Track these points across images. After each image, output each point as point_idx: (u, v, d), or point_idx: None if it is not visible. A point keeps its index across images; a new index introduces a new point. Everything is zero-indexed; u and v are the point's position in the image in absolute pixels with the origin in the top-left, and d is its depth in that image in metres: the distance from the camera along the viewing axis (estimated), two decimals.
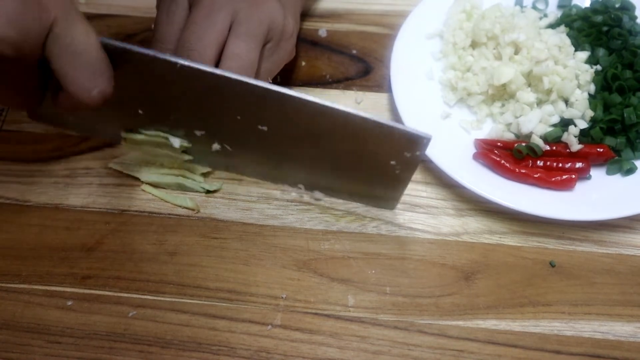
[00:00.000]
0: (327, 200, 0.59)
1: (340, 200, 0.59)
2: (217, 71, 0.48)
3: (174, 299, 0.54)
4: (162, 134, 0.56)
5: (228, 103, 0.51)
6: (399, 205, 0.58)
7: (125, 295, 0.54)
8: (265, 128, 0.52)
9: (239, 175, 0.60)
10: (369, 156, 0.51)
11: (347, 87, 0.66)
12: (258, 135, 0.52)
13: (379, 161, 0.51)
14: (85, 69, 0.45)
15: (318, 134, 0.51)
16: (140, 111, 0.54)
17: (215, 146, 0.55)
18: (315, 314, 0.53)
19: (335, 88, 0.66)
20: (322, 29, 0.70)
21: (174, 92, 0.51)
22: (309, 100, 0.49)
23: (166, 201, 0.59)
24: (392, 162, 0.51)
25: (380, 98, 0.66)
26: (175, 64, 0.48)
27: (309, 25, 0.71)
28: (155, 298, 0.54)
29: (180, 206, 0.58)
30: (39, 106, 0.50)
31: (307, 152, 0.54)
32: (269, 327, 0.53)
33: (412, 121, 0.60)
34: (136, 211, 0.58)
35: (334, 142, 0.51)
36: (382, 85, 0.66)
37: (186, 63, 0.48)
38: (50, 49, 0.44)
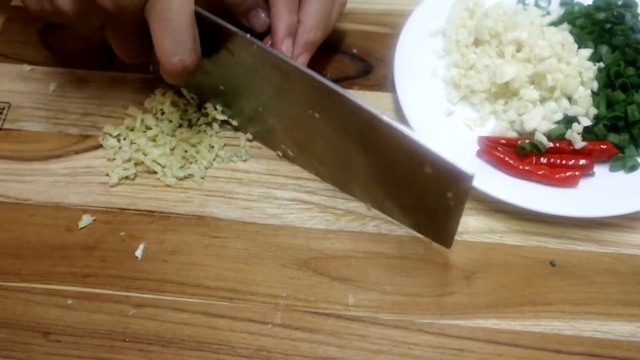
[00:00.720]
0: (328, 200, 0.59)
1: (342, 200, 0.59)
2: (290, 61, 0.52)
3: (174, 298, 0.54)
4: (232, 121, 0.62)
5: (293, 90, 0.54)
6: None
7: (125, 294, 0.54)
8: (317, 115, 0.53)
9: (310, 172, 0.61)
10: (421, 180, 0.50)
11: (348, 87, 0.66)
12: (318, 128, 0.54)
13: (430, 187, 0.51)
14: (171, 35, 0.49)
15: (372, 141, 0.52)
16: (221, 87, 0.59)
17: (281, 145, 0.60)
18: (316, 313, 0.53)
19: None
20: None
21: (250, 72, 0.55)
22: (361, 106, 0.49)
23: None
24: (449, 194, 0.49)
25: (381, 97, 0.65)
26: (253, 44, 0.52)
27: None
28: (155, 297, 0.54)
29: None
30: (145, 60, 0.56)
31: (364, 159, 0.54)
32: (269, 326, 0.53)
33: (416, 119, 0.60)
34: (136, 210, 0.58)
35: (384, 153, 0.51)
36: (383, 84, 0.66)
37: (262, 45, 0.52)
38: (148, 11, 0.49)
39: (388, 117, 0.48)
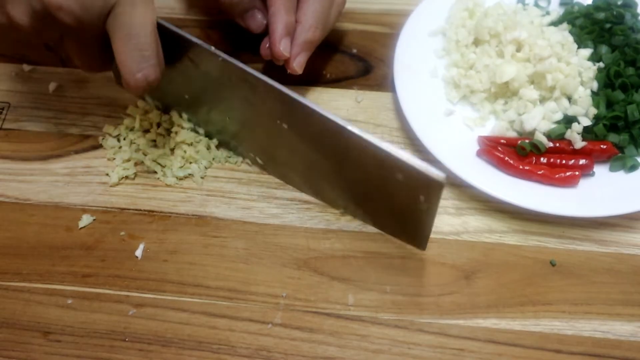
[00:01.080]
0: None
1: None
2: (252, 71, 0.52)
3: (174, 298, 0.54)
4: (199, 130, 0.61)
5: (262, 102, 0.53)
6: None
7: (126, 293, 0.54)
8: (285, 126, 0.53)
9: (282, 181, 0.60)
10: (393, 186, 0.51)
11: (347, 86, 0.66)
12: (286, 138, 0.54)
13: (401, 193, 0.51)
14: (134, 51, 0.48)
15: (341, 152, 0.52)
16: (186, 96, 0.59)
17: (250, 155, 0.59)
18: (316, 312, 0.53)
19: (336, 87, 0.66)
20: None
21: (215, 83, 0.55)
22: (330, 118, 0.50)
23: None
24: (421, 197, 0.50)
25: (381, 97, 0.65)
26: (218, 57, 0.52)
27: None
28: (155, 296, 0.54)
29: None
30: (106, 71, 0.55)
31: (334, 169, 0.54)
32: (269, 325, 0.53)
33: (416, 119, 0.60)
34: (136, 210, 0.58)
35: (355, 163, 0.52)
36: (383, 84, 0.66)
37: (227, 58, 0.52)
38: (109, 27, 0.48)
39: (355, 128, 0.49)
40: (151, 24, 0.49)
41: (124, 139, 0.61)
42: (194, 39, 0.52)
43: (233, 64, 0.52)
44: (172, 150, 0.60)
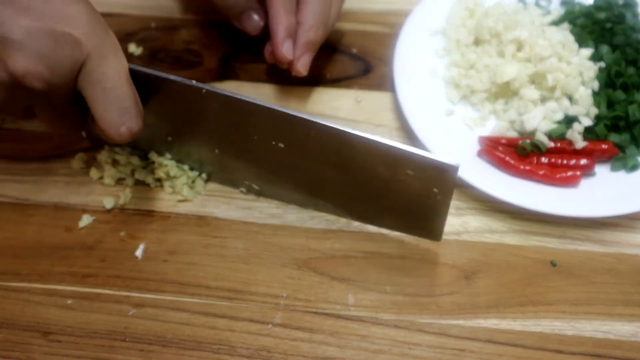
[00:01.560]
0: None
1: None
2: (241, 96, 0.50)
3: (174, 298, 0.54)
4: (185, 168, 0.59)
5: (253, 126, 0.52)
6: None
7: (125, 293, 0.54)
8: (282, 145, 0.52)
9: (278, 201, 0.59)
10: (404, 183, 0.50)
11: (347, 86, 0.66)
12: (284, 158, 0.53)
13: (413, 188, 0.51)
14: (113, 105, 0.46)
15: (345, 159, 0.51)
16: (169, 138, 0.57)
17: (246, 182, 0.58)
18: (316, 312, 0.53)
19: (336, 87, 0.66)
20: None
21: (200, 117, 0.54)
22: (331, 127, 0.49)
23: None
24: (435, 189, 0.50)
25: (381, 97, 0.65)
26: (201, 89, 0.51)
27: None
28: (155, 297, 0.54)
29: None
30: (81, 130, 0.52)
31: (337, 178, 0.53)
32: (269, 325, 0.52)
33: (416, 119, 0.60)
34: (136, 210, 0.58)
35: (361, 167, 0.51)
36: (383, 84, 0.66)
37: (210, 89, 0.50)
38: (82, 84, 0.46)
39: (358, 131, 0.48)
40: (125, 74, 0.47)
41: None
42: (172, 77, 0.51)
43: (218, 93, 0.51)
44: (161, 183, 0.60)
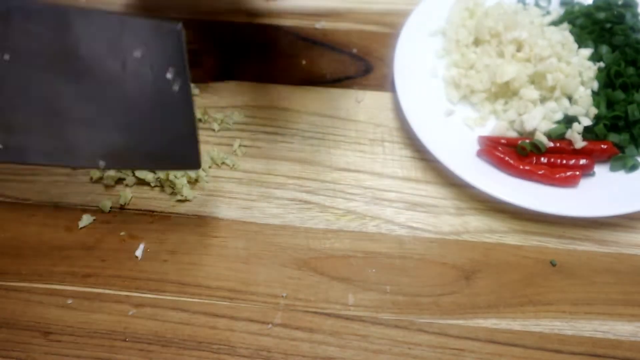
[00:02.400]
0: (328, 199, 0.59)
1: (342, 200, 0.59)
2: None
3: (174, 298, 0.54)
4: None
5: None
6: (400, 205, 0.58)
7: (126, 293, 0.54)
8: (7, 57, 0.44)
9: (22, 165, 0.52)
10: (133, 80, 0.43)
11: (347, 86, 0.66)
12: (14, 77, 0.44)
13: (145, 82, 0.43)
14: None
15: (71, 49, 0.43)
16: None
17: None
18: (316, 312, 0.53)
19: (336, 87, 0.66)
20: (320, 22, 0.69)
21: None
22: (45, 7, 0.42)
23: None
24: (168, 74, 0.42)
25: (381, 97, 0.65)
26: None
27: (310, 23, 0.71)
28: (155, 296, 0.54)
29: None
30: None
31: (75, 91, 0.45)
32: (269, 325, 0.52)
33: (416, 119, 0.60)
34: (136, 210, 0.58)
35: (89, 60, 0.43)
36: (383, 84, 0.66)
37: None
38: None
39: (79, 9, 0.42)
40: None
41: None
42: None
43: None
44: None
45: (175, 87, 0.44)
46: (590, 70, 0.62)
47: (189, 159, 0.48)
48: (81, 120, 0.47)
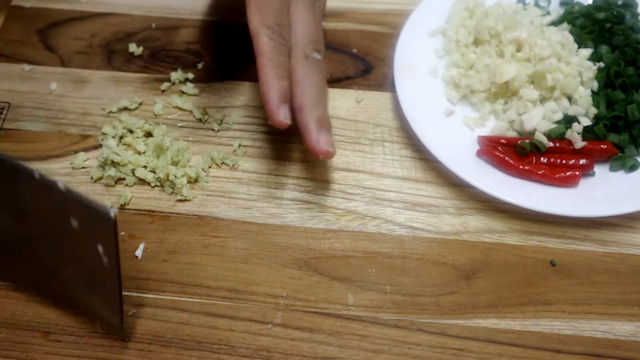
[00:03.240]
0: (328, 199, 0.59)
1: (342, 199, 0.59)
2: None
3: (174, 298, 0.54)
4: None
5: None
6: (400, 204, 0.58)
7: (126, 293, 0.54)
8: None
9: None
10: (72, 241, 0.45)
11: (347, 86, 0.66)
12: None
13: (82, 248, 0.45)
14: None
15: (19, 200, 0.46)
16: None
17: None
18: (316, 312, 0.53)
19: (336, 87, 0.66)
20: None
21: None
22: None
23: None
24: (99, 246, 0.43)
25: (381, 97, 0.65)
26: None
27: None
28: (155, 296, 0.54)
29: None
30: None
31: (20, 232, 0.48)
32: (269, 325, 0.52)
33: (416, 119, 0.60)
34: (136, 209, 0.58)
35: (41, 218, 0.46)
36: (383, 84, 0.66)
37: None
38: None
39: (30, 167, 0.43)
40: None
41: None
42: None
43: None
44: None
45: (105, 261, 0.44)
46: (590, 70, 0.62)
47: (113, 323, 0.50)
48: (27, 260, 0.51)
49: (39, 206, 0.45)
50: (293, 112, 0.52)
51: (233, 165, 0.61)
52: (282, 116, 0.51)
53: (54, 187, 0.41)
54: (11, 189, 0.45)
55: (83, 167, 0.60)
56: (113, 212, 0.40)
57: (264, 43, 0.51)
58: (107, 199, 0.58)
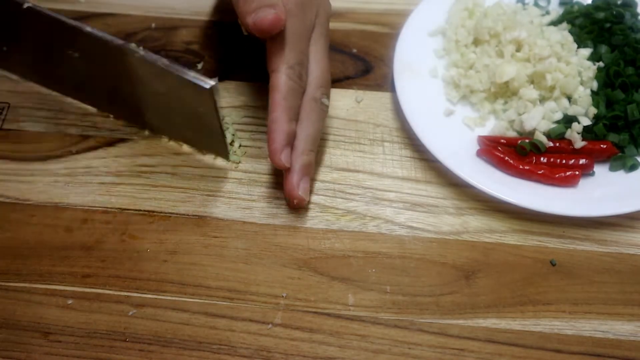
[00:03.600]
0: (328, 199, 0.59)
1: (342, 200, 0.59)
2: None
3: (174, 298, 0.54)
4: None
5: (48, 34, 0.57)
6: (400, 204, 0.58)
7: (126, 293, 0.54)
8: (77, 55, 0.57)
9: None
10: (178, 100, 0.55)
11: (347, 86, 0.66)
12: (79, 66, 0.58)
13: (187, 105, 0.54)
14: None
15: (130, 70, 0.55)
16: (4, 48, 0.63)
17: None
18: (316, 312, 0.53)
19: (336, 87, 0.66)
20: None
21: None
22: (100, 36, 0.54)
23: None
24: (200, 108, 0.53)
25: (381, 97, 0.65)
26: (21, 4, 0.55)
27: None
28: (155, 297, 0.54)
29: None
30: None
31: (128, 89, 0.58)
32: (270, 325, 0.53)
33: (416, 119, 0.60)
34: (136, 210, 0.58)
35: (140, 79, 0.55)
36: (383, 84, 0.66)
37: (31, 6, 0.55)
38: None
39: (133, 45, 0.53)
40: None
41: None
42: None
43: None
44: None
45: (209, 117, 0.54)
46: (590, 70, 0.62)
47: (221, 152, 0.60)
48: (136, 104, 0.60)
49: (146, 75, 0.54)
50: None
51: (233, 165, 0.61)
52: (283, 158, 0.53)
53: (158, 61, 0.52)
54: (121, 64, 0.55)
55: (85, 167, 0.60)
56: (209, 85, 0.50)
57: (283, 82, 0.52)
58: (108, 200, 0.58)
